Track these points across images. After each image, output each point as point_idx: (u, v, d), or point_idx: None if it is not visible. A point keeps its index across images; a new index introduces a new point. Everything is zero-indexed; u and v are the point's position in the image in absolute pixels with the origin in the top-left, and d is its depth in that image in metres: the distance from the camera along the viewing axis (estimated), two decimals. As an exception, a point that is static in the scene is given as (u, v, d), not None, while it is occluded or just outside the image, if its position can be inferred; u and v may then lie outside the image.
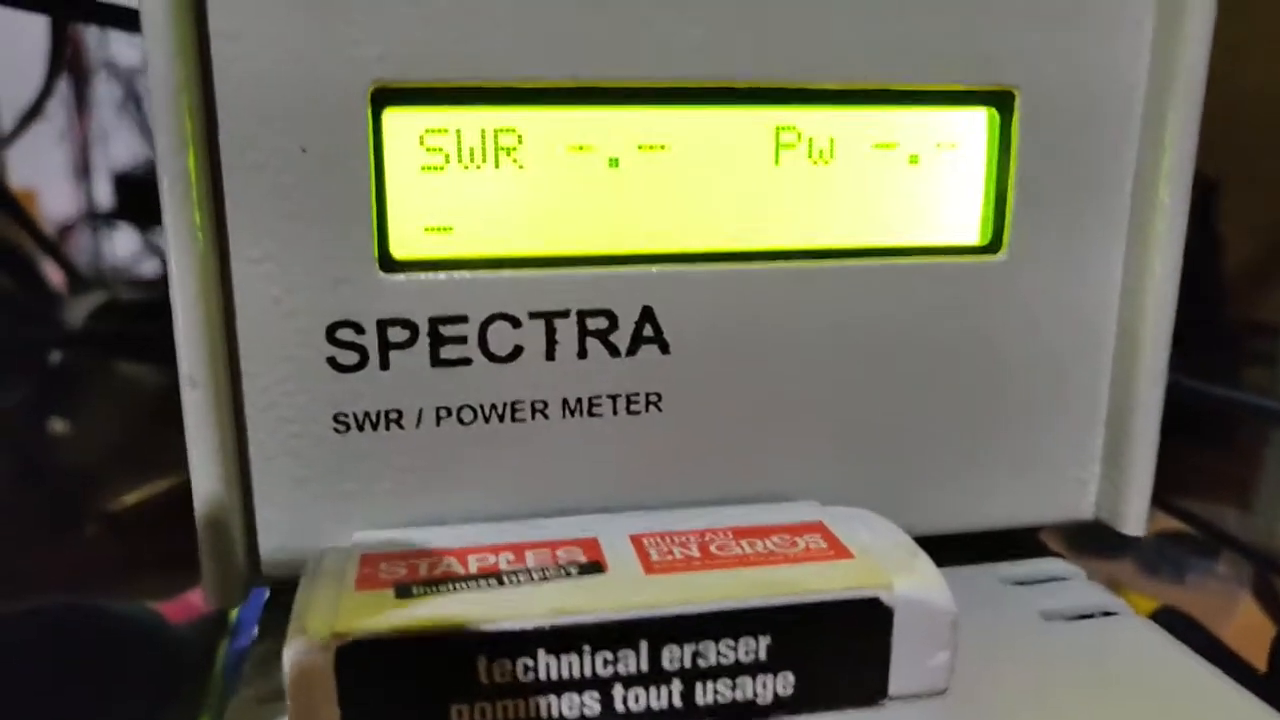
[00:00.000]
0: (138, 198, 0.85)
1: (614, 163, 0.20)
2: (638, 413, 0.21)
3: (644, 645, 0.17)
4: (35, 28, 0.54)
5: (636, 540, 0.19)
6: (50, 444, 0.42)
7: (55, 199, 0.88)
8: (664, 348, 0.20)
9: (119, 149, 0.87)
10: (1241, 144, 0.48)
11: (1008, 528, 0.23)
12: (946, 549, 0.22)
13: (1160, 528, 0.39)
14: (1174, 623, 0.30)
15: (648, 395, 0.21)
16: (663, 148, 0.20)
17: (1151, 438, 0.22)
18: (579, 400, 0.20)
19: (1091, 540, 0.38)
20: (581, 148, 0.20)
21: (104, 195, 0.89)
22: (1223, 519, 0.39)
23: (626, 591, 0.18)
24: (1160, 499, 0.36)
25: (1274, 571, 0.34)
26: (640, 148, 0.20)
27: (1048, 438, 0.23)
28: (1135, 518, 0.22)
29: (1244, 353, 0.45)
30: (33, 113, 0.58)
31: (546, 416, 0.20)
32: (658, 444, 0.21)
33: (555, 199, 0.20)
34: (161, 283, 0.18)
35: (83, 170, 0.90)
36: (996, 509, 0.23)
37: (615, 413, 0.21)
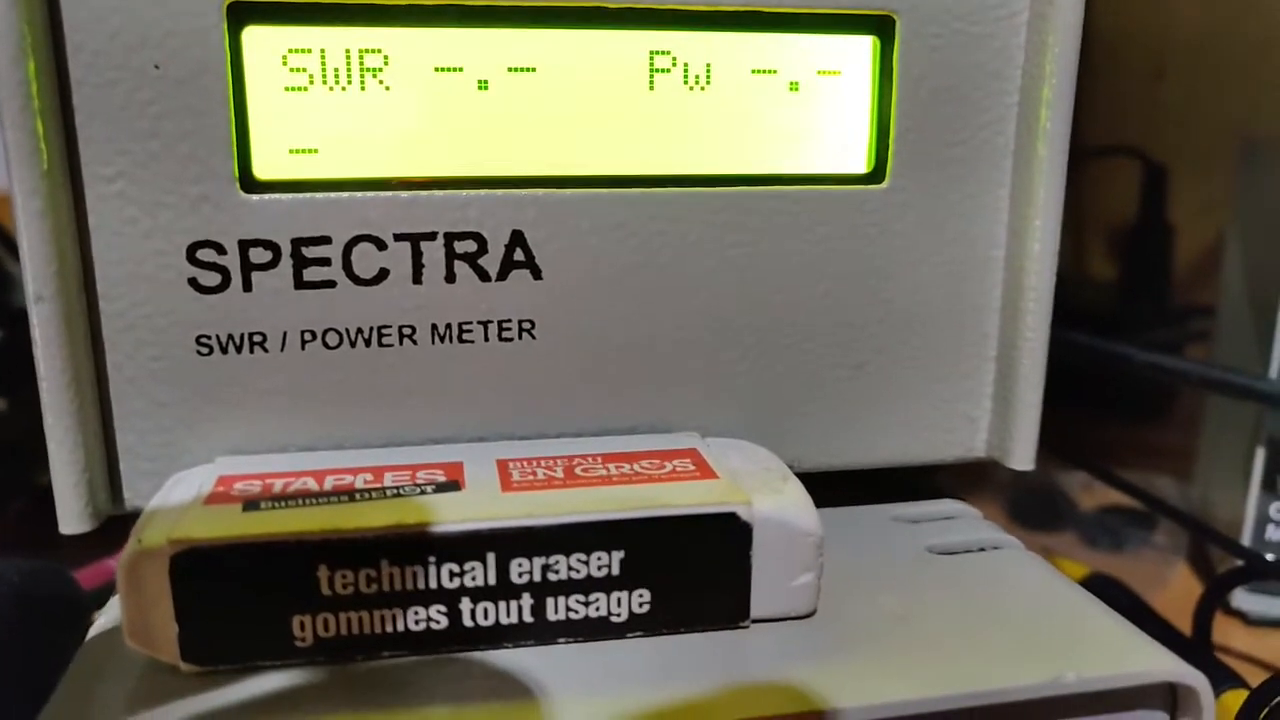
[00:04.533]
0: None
1: (483, 85, 0.20)
2: (510, 339, 0.20)
3: (491, 558, 0.17)
4: None
5: (502, 464, 0.19)
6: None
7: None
8: (536, 273, 0.20)
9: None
10: (1192, 127, 0.48)
11: (899, 464, 0.23)
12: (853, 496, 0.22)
13: (1100, 501, 0.39)
14: (1102, 586, 0.30)
15: (520, 322, 0.20)
16: (532, 70, 0.20)
17: (1038, 373, 0.22)
18: (448, 325, 0.20)
19: (1034, 514, 0.37)
20: (449, 69, 0.19)
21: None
22: (1163, 490, 0.38)
23: (477, 505, 0.17)
24: (1102, 470, 0.35)
25: (1208, 539, 0.34)
26: (510, 70, 0.20)
27: (937, 374, 0.22)
28: (1023, 453, 0.22)
29: (1187, 332, 0.45)
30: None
31: (415, 342, 0.20)
32: (531, 372, 0.21)
33: (423, 121, 0.20)
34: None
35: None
36: (887, 446, 0.23)
37: (487, 339, 0.20)
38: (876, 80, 0.21)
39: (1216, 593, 0.27)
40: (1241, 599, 0.31)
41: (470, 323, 0.20)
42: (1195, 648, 0.27)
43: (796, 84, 0.21)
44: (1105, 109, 0.44)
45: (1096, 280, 0.51)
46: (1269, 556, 0.31)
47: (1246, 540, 0.31)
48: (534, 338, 0.20)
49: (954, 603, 0.19)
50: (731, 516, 0.18)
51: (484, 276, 0.20)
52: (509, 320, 0.20)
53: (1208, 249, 0.46)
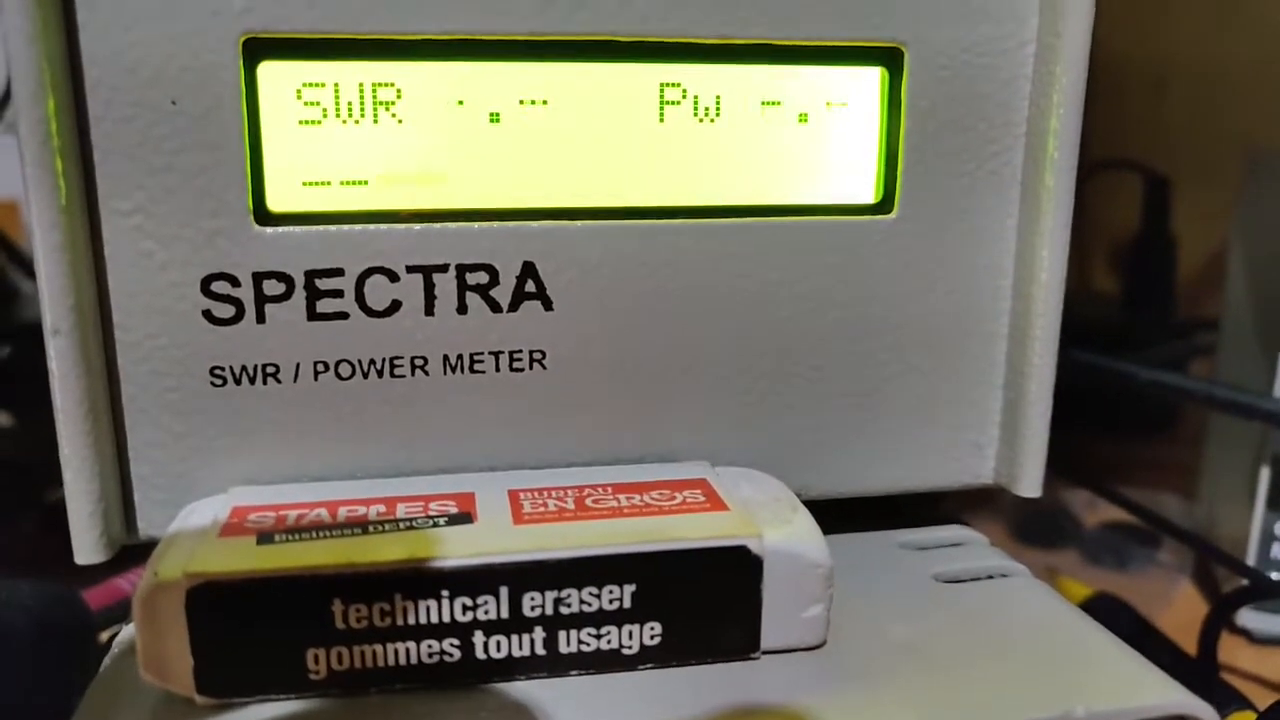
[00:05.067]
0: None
1: (495, 118, 0.20)
2: (521, 370, 0.20)
3: (504, 591, 0.17)
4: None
5: (513, 494, 0.19)
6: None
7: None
8: (547, 304, 0.20)
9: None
10: (1193, 143, 0.48)
11: (907, 491, 0.23)
12: (858, 520, 0.22)
13: (1104, 518, 0.39)
14: (1107, 606, 0.30)
15: (531, 352, 0.20)
16: (544, 103, 0.20)
17: (1046, 401, 0.22)
18: (460, 356, 0.20)
19: (1037, 532, 0.38)
20: (461, 102, 0.20)
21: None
22: (1167, 508, 0.38)
23: (489, 538, 0.17)
24: (1104, 489, 0.35)
25: (1212, 557, 0.34)
26: (521, 103, 0.20)
27: (945, 401, 0.22)
28: (1030, 481, 0.22)
29: (1192, 345, 0.45)
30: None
31: (427, 373, 0.20)
32: (542, 402, 0.21)
33: (435, 154, 0.20)
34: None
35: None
36: (894, 473, 0.23)
37: (498, 369, 0.20)
38: (885, 111, 0.21)
39: (1222, 613, 0.27)
40: (1246, 617, 0.31)
41: (481, 353, 0.20)
42: (1201, 669, 0.27)
43: (805, 115, 0.21)
44: (1108, 123, 0.44)
45: (1100, 295, 0.52)
46: (1274, 575, 0.31)
47: (1251, 559, 0.32)
48: (545, 368, 0.21)
49: (962, 633, 0.19)
50: (743, 550, 0.18)
51: (495, 308, 0.20)
52: (520, 351, 0.20)
53: (1211, 261, 0.46)
